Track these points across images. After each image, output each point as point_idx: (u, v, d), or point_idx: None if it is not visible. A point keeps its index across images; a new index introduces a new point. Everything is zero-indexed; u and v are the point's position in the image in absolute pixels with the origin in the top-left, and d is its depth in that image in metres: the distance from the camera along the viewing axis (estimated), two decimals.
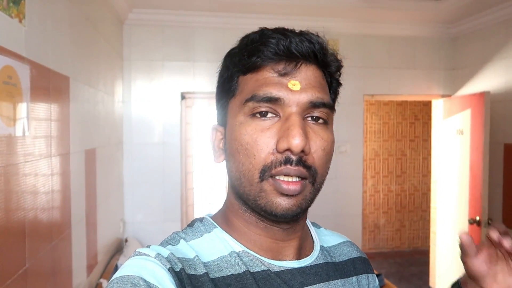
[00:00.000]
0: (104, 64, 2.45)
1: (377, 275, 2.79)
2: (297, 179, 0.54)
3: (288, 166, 0.53)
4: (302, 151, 0.53)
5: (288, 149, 0.53)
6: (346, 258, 0.69)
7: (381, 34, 3.47)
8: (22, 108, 1.24)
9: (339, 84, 0.64)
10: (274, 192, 0.54)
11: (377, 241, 5.39)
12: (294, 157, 0.53)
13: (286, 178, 0.54)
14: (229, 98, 0.60)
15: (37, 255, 1.35)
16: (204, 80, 3.19)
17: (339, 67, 0.62)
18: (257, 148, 0.54)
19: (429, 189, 5.21)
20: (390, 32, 3.47)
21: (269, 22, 0.61)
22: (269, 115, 0.55)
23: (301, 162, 0.53)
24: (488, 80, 3.13)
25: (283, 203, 0.54)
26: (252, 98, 0.55)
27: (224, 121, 0.61)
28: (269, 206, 0.54)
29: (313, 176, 0.55)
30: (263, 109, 0.55)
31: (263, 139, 0.54)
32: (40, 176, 1.40)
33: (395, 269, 4.88)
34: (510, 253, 0.61)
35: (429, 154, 5.26)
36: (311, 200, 0.57)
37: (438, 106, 3.58)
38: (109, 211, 2.60)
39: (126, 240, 3.00)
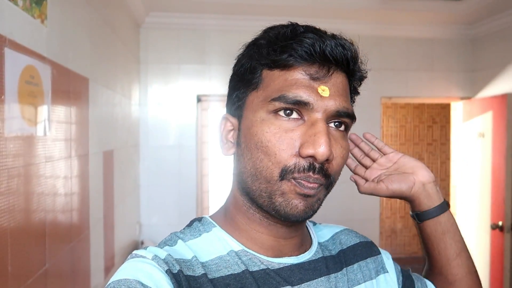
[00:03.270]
0: (121, 67, 2.47)
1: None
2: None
3: (310, 173, 0.52)
4: (326, 159, 0.52)
5: (312, 156, 0.52)
6: (345, 247, 0.68)
7: (398, 36, 3.42)
8: (43, 108, 1.25)
9: (357, 93, 0.63)
10: (293, 193, 0.53)
11: (394, 246, 5.30)
12: (317, 165, 0.52)
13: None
14: (249, 90, 0.57)
15: (56, 256, 1.35)
16: (220, 83, 3.19)
17: (362, 77, 0.61)
18: (279, 147, 0.53)
19: (447, 194, 5.10)
20: (408, 33, 3.42)
21: None
22: (294, 115, 0.53)
23: (322, 170, 0.53)
24: (510, 82, 3.05)
25: (299, 204, 0.53)
26: (279, 99, 0.53)
27: (239, 113, 0.59)
28: (284, 205, 0.53)
29: (329, 183, 0.56)
30: (289, 109, 0.53)
31: (286, 140, 0.53)
32: (60, 177, 1.41)
33: None
34: (369, 155, 0.76)
35: (447, 158, 5.16)
36: (322, 202, 0.57)
37: (458, 109, 3.51)
38: (126, 213, 2.61)
39: (142, 243, 3.01)
